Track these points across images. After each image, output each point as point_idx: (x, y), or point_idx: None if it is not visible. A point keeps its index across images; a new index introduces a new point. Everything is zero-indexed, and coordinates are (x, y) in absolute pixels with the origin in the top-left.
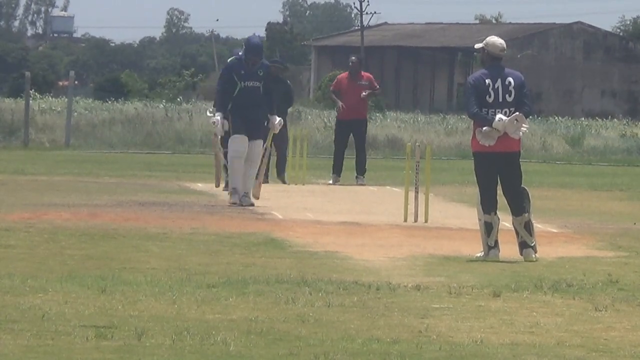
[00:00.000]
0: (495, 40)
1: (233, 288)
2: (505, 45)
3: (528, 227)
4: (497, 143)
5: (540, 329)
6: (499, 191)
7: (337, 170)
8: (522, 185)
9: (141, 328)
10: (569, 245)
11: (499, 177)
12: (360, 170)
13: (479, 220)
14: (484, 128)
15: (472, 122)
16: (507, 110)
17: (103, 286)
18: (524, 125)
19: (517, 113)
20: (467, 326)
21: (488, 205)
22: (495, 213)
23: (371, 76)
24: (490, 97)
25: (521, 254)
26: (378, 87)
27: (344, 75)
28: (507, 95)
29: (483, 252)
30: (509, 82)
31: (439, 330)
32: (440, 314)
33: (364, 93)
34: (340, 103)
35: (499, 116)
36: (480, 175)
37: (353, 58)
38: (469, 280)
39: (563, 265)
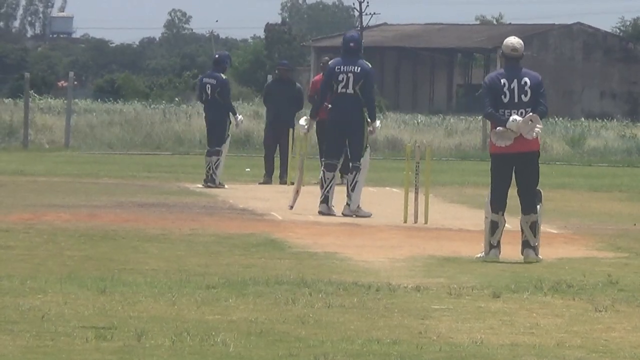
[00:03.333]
0: (507, 40)
1: (233, 289)
2: (517, 45)
3: (534, 227)
4: (516, 143)
5: (540, 330)
6: (512, 192)
7: None
8: (537, 187)
9: (141, 329)
10: (569, 246)
11: (515, 176)
12: (344, 169)
13: (486, 218)
14: (498, 128)
15: (480, 123)
16: (522, 110)
17: (102, 287)
18: (537, 125)
19: (532, 114)
20: (467, 327)
21: (497, 205)
22: (503, 214)
23: None
24: (505, 97)
25: (522, 254)
26: None
27: (318, 77)
28: (522, 96)
29: (484, 252)
30: (525, 82)
31: (438, 331)
32: (440, 314)
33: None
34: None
35: (513, 117)
36: (494, 174)
37: (326, 58)
38: (469, 281)
39: (563, 266)
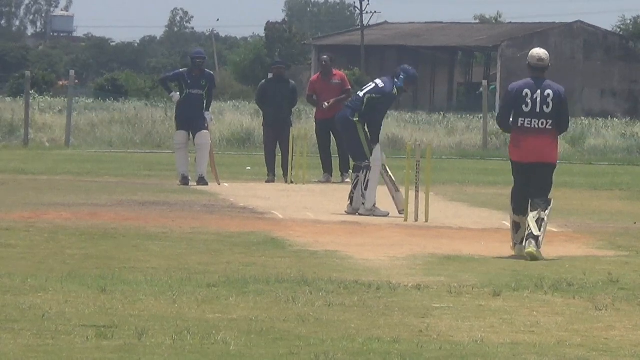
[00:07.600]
0: (533, 50)
1: (233, 287)
2: (543, 56)
3: (539, 222)
4: (533, 153)
5: (541, 329)
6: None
7: (327, 169)
8: (549, 197)
9: (141, 327)
10: (570, 245)
11: (529, 183)
12: (344, 168)
13: (510, 217)
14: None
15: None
16: (544, 121)
17: (103, 285)
18: None
19: None
20: (467, 325)
21: (518, 209)
22: (525, 215)
23: (344, 75)
24: (527, 106)
25: (523, 245)
26: (349, 87)
27: (316, 76)
28: (544, 107)
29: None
30: (548, 94)
31: (439, 329)
32: (440, 313)
33: (326, 104)
34: (320, 103)
35: None
36: (515, 178)
37: (324, 57)
38: (469, 279)
39: (563, 264)
